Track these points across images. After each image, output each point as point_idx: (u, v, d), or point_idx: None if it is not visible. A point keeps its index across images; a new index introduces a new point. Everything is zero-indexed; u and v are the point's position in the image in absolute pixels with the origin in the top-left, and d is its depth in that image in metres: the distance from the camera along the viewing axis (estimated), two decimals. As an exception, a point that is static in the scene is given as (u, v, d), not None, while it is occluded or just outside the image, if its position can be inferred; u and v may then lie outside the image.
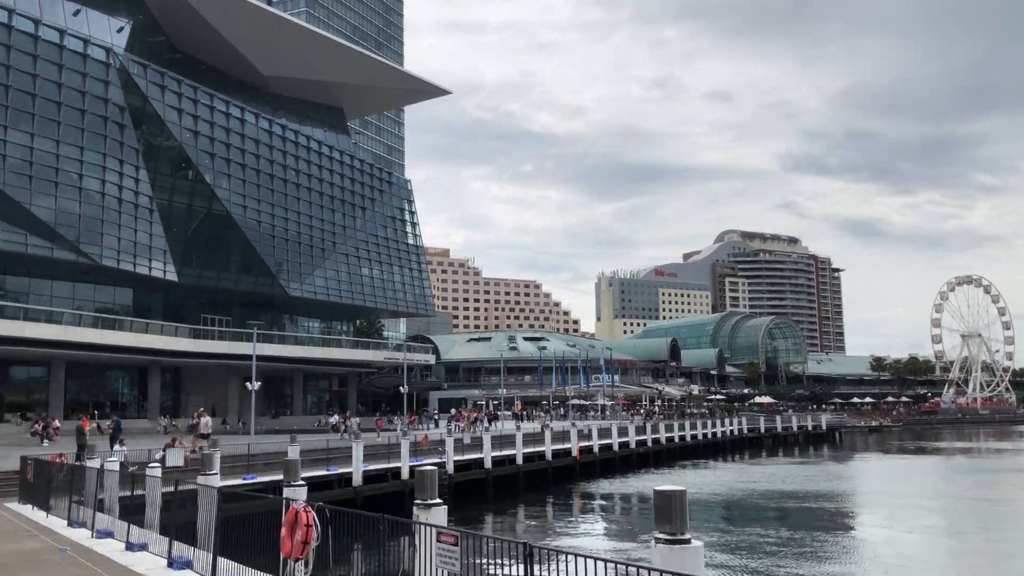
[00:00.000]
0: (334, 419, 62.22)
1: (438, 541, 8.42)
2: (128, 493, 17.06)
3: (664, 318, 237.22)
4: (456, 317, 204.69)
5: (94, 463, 21.08)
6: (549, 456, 50.25)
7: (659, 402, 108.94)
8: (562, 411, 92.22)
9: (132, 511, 16.39)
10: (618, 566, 7.20)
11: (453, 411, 73.29)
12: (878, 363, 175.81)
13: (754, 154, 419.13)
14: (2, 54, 53.82)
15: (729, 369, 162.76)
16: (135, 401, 71.53)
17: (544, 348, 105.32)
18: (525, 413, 77.71)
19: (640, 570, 6.65)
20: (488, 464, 43.75)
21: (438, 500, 11.03)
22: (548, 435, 50.81)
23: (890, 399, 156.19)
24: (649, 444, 65.39)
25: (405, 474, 37.29)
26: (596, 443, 55.76)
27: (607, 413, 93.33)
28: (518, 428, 51.78)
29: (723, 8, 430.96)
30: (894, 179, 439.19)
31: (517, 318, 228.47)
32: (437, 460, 41.02)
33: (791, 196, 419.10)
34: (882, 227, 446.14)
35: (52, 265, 58.71)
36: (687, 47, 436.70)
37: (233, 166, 71.11)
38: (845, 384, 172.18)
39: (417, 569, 8.87)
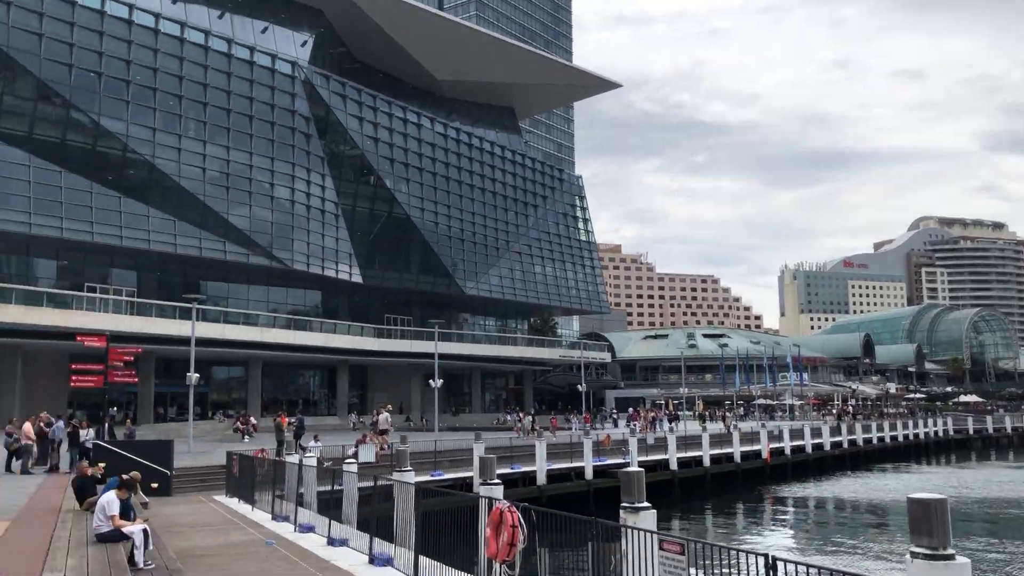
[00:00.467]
0: (511, 417, 62.50)
1: (661, 549, 7.49)
2: (328, 488, 17.18)
3: (854, 312, 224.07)
4: (630, 314, 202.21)
5: (293, 459, 21.58)
6: (737, 458, 48.00)
7: (852, 401, 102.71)
8: (741, 411, 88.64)
9: (330, 506, 16.47)
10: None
11: (631, 410, 71.94)
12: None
13: (949, 134, 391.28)
14: (199, 74, 57.58)
15: (929, 366, 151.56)
16: (325, 399, 74.91)
17: (725, 345, 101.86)
18: (708, 413, 75.13)
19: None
20: (673, 465, 42.22)
21: (646, 503, 10.14)
22: (736, 436, 48.59)
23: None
24: (844, 446, 61.39)
25: (589, 474, 36.52)
26: (787, 444, 52.85)
27: (796, 413, 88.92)
28: (704, 428, 49.88)
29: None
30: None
31: (694, 314, 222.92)
32: (620, 460, 40.04)
33: (993, 178, 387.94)
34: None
35: (248, 270, 62.28)
36: (869, 25, 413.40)
37: (411, 170, 73.16)
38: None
39: (629, 577, 8.00)
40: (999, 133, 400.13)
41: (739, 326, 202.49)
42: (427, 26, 72.22)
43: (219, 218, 57.43)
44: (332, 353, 65.98)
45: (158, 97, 55.12)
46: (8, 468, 26.12)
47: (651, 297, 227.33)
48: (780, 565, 6.53)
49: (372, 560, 12.68)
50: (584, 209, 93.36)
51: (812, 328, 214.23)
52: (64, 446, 27.53)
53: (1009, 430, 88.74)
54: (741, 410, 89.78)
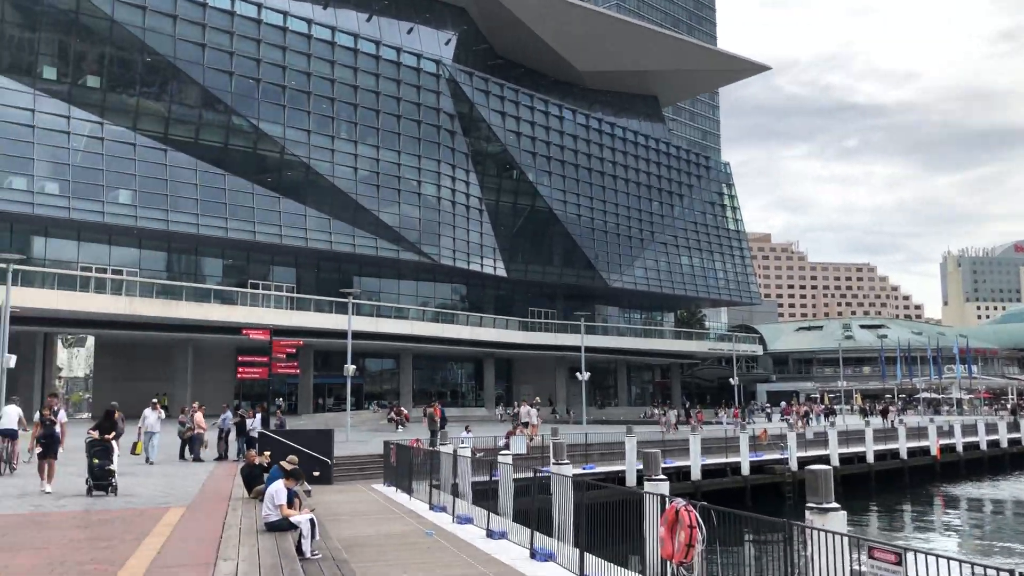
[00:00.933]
0: (658, 411, 61.40)
1: (871, 558, 6.75)
2: (482, 479, 17.09)
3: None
4: (780, 305, 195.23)
5: (447, 449, 21.69)
6: (903, 455, 45.21)
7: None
8: (899, 404, 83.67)
9: (486, 496, 16.36)
10: None
11: (783, 404, 69.28)
12: None
13: None
14: (350, 76, 59.39)
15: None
16: (472, 391, 76.06)
17: (884, 336, 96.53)
18: (867, 407, 71.40)
19: None
20: (835, 462, 40.08)
21: (835, 504, 9.33)
22: (902, 431, 45.77)
23: None
24: None
25: (745, 470, 35.30)
26: (959, 441, 49.33)
27: (964, 407, 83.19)
28: (867, 423, 47.27)
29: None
30: None
31: (849, 304, 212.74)
32: (778, 456, 38.53)
33: None
34: None
35: (398, 266, 63.92)
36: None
37: (553, 163, 73.10)
38: None
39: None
40: None
41: (897, 316, 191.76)
42: (569, 18, 71.81)
43: (370, 216, 59.17)
44: (478, 346, 66.91)
45: (312, 100, 57.27)
46: (182, 456, 27.57)
47: (803, 287, 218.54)
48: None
49: (533, 555, 12.39)
50: (732, 197, 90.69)
51: (979, 317, 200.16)
52: (232, 435, 28.82)
53: None
54: (899, 403, 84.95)
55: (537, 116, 72.35)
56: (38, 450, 18.82)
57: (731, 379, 72.11)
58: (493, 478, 16.73)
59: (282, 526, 12.73)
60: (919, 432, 48.31)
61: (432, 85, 64.06)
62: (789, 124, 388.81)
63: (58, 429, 19.32)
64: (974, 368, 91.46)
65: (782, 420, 56.84)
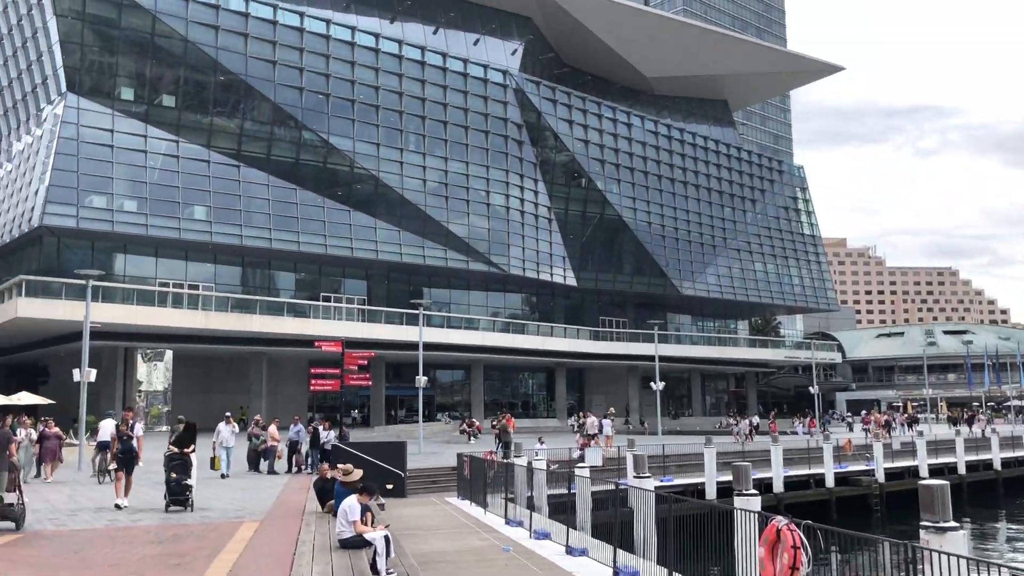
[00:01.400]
0: (734, 420, 59.76)
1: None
2: (558, 492, 16.53)
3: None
4: (858, 311, 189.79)
5: (521, 461, 21.17)
6: (997, 465, 43.05)
7: None
8: (988, 413, 80.00)
9: (562, 510, 15.78)
10: None
11: (863, 413, 66.89)
12: None
13: None
14: (417, 88, 59.68)
15: None
16: (543, 401, 75.45)
17: (970, 342, 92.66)
18: (956, 415, 68.49)
19: None
20: (924, 473, 38.32)
21: (953, 523, 8.52)
22: (995, 440, 43.60)
23: None
24: None
25: (829, 481, 33.94)
26: (1057, 451, 46.80)
27: (1058, 416, 79.16)
28: (957, 433, 45.19)
29: None
30: None
31: (930, 310, 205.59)
32: (864, 467, 37.07)
33: None
34: None
35: (467, 276, 63.85)
36: None
37: (622, 171, 72.33)
38: None
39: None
40: None
41: (983, 321, 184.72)
42: (636, 24, 71.08)
43: (440, 227, 59.25)
44: (549, 356, 66.31)
45: (380, 114, 57.68)
46: (256, 468, 27.63)
47: (881, 292, 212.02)
48: None
49: (617, 573, 11.76)
50: (807, 201, 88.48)
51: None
52: (305, 448, 28.76)
53: None
54: (990, 412, 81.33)
55: (605, 124, 71.68)
56: (113, 465, 18.95)
57: (811, 387, 70.02)
58: (571, 491, 16.15)
59: (356, 543, 12.38)
60: (1013, 442, 46.06)
61: (499, 95, 63.98)
62: (863, 125, 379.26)
63: (135, 443, 19.43)
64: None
65: (863, 430, 54.77)
